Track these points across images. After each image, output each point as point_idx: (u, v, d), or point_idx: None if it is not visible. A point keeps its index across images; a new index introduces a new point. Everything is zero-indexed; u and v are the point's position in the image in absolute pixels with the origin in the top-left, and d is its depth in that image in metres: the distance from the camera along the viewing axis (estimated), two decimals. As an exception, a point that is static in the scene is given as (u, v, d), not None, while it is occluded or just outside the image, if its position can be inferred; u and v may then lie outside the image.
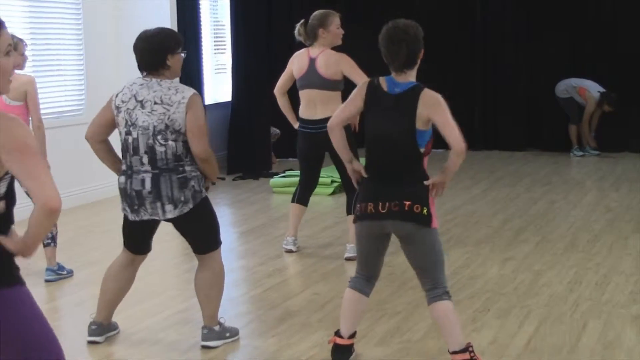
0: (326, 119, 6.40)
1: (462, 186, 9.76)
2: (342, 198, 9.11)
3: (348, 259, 6.53)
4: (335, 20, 6.63)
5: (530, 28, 12.29)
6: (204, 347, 4.80)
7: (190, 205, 4.63)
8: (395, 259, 6.60)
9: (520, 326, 5.06)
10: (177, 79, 4.86)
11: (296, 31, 6.76)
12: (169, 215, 4.64)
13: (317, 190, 9.36)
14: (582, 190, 9.63)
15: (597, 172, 10.72)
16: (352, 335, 4.45)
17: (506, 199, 8.95)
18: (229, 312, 5.45)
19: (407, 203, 4.12)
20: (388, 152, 4.22)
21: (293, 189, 9.41)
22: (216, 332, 4.86)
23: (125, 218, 4.78)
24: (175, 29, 9.16)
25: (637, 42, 11.68)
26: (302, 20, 6.76)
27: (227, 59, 11.29)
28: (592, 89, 11.60)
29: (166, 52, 4.64)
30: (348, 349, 4.45)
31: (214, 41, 11.36)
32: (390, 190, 4.17)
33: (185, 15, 9.34)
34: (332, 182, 9.49)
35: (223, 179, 10.18)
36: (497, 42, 12.53)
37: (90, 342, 4.87)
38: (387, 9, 12.55)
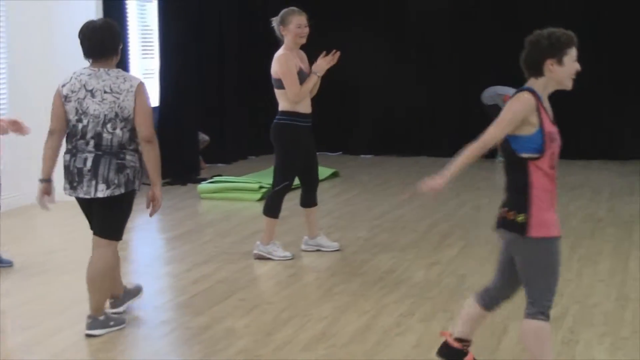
0: (278, 113, 6.70)
1: (391, 192, 9.86)
2: (271, 204, 9.16)
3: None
4: (294, 19, 6.59)
5: (460, 37, 12.43)
6: (87, 335, 4.99)
7: (122, 190, 4.91)
8: (321, 265, 6.67)
9: (444, 330, 5.10)
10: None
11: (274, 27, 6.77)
12: (100, 195, 4.88)
13: (245, 196, 9.43)
14: (507, 195, 9.78)
15: (522, 177, 10.89)
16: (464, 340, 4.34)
17: (433, 204, 9.02)
18: (154, 320, 5.43)
19: (504, 209, 4.09)
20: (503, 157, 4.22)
21: (221, 195, 9.47)
22: (100, 321, 5.05)
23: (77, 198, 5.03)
24: (101, 33, 9.08)
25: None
26: (274, 18, 6.77)
27: (155, 64, 11.20)
28: (516, 96, 11.78)
29: (119, 40, 5.03)
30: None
31: (142, 46, 11.26)
32: (504, 197, 4.17)
33: (111, 19, 9.21)
34: (260, 187, 9.49)
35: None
36: (429, 51, 12.65)
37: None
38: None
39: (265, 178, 9.98)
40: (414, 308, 5.54)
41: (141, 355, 4.85)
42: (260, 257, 6.75)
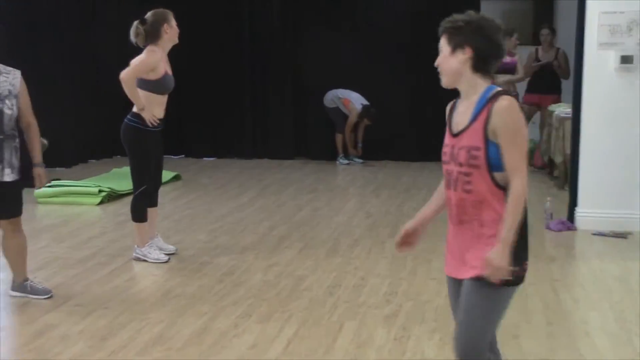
0: (130, 113, 6.64)
1: (231, 194, 9.89)
2: (111, 207, 9.06)
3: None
4: (173, 18, 6.64)
5: (299, 39, 12.59)
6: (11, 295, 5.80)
7: (16, 175, 5.53)
8: (158, 268, 6.63)
9: (280, 330, 5.19)
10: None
11: (134, 30, 6.59)
12: (7, 179, 5.48)
13: (84, 199, 9.27)
14: (346, 197, 10.01)
15: (360, 179, 11.17)
16: None
17: (273, 207, 9.15)
18: (-15, 327, 5.28)
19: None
20: None
21: (59, 199, 9.26)
22: (20, 285, 5.80)
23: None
24: None
25: (400, 55, 12.25)
26: (139, 20, 6.61)
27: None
28: (355, 101, 12.06)
29: None
30: None
31: (-26, 46, 10.88)
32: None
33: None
34: (100, 191, 9.35)
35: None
36: (266, 53, 12.76)
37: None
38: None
39: (104, 182, 9.84)
40: (251, 309, 5.59)
41: (-30, 365, 4.71)
42: (138, 259, 6.80)
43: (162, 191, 9.95)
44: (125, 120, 6.67)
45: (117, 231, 7.82)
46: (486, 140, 3.21)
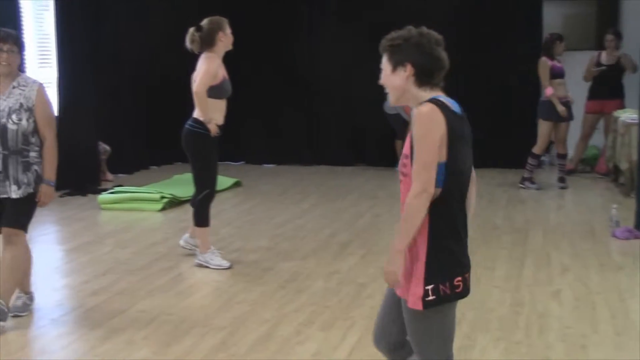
0: (191, 119, 6.66)
1: (291, 201, 9.90)
2: (172, 213, 9.13)
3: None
4: (228, 26, 6.70)
5: (358, 45, 12.57)
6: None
7: (31, 190, 5.32)
8: (221, 275, 6.66)
9: (343, 338, 5.17)
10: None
11: (189, 37, 6.66)
12: (14, 195, 5.29)
13: (146, 206, 9.36)
14: (406, 203, 9.92)
15: (421, 186, 11.07)
16: None
17: (333, 213, 9.13)
18: (52, 332, 5.34)
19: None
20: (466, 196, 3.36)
21: (122, 205, 9.36)
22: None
23: None
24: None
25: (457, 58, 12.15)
26: (195, 27, 6.67)
27: (52, 73, 11.00)
28: (416, 107, 11.98)
29: None
30: None
31: (39, 54, 11.05)
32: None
33: (5, 26, 9.02)
34: (162, 197, 9.43)
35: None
36: (325, 60, 12.76)
37: None
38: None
39: (166, 188, 9.93)
40: (313, 317, 5.58)
41: (37, 369, 4.77)
42: (200, 266, 6.85)
43: (224, 197, 10.09)
44: (187, 126, 6.71)
45: (179, 237, 7.85)
46: (412, 148, 3.22)
